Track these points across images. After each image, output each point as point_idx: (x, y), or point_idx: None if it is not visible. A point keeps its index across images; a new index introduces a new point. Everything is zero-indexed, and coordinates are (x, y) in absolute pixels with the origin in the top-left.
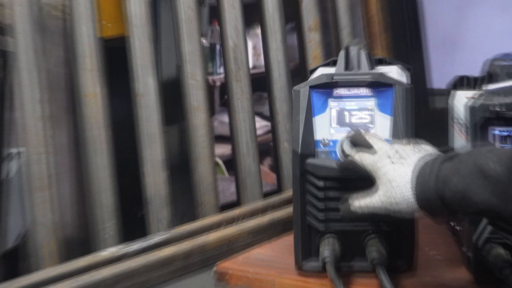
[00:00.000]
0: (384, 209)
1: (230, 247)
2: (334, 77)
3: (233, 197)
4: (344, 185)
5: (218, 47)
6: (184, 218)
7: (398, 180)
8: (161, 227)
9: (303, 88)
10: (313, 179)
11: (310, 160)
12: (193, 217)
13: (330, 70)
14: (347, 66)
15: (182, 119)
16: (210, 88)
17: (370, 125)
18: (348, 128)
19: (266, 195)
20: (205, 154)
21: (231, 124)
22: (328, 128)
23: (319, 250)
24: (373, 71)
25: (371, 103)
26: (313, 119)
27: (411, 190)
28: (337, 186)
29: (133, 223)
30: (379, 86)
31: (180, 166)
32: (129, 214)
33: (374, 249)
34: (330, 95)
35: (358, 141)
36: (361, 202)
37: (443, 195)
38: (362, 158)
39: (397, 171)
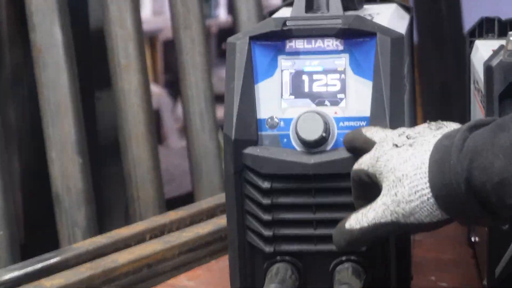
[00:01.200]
0: (392, 219)
1: (151, 272)
2: (288, 23)
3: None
4: (305, 186)
5: None
6: (128, 218)
7: (408, 170)
8: (77, 233)
9: (240, 40)
10: (255, 178)
11: (249, 150)
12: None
13: None
14: (310, 6)
15: None
16: (205, 36)
17: (340, 95)
18: (308, 100)
19: None
20: (138, 131)
21: (180, 88)
22: (277, 100)
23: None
24: (350, 12)
25: (342, 61)
26: (256, 86)
27: (426, 180)
28: (291, 188)
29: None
30: (354, 36)
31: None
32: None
33: (345, 286)
34: (281, 50)
35: (357, 143)
36: (358, 216)
37: (470, 178)
38: (359, 162)
39: (406, 158)
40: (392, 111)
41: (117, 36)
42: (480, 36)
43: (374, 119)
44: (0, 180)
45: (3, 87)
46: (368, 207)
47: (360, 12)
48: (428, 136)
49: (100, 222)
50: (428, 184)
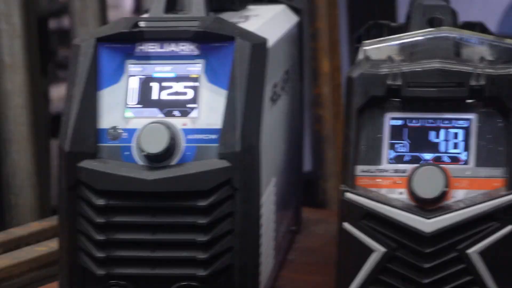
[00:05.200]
0: None
1: None
2: (140, 24)
3: None
4: (144, 205)
5: None
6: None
7: None
8: None
9: (85, 42)
10: (90, 194)
11: (85, 163)
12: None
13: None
14: (171, 6)
15: None
16: None
17: (191, 105)
18: (156, 110)
19: None
20: (21, 134)
21: None
22: (122, 109)
23: None
24: (225, 14)
25: (197, 67)
26: (99, 93)
27: None
28: (129, 207)
29: None
30: (212, 40)
31: None
32: None
33: None
34: (130, 54)
35: None
36: None
37: None
38: None
39: None
40: (246, 125)
41: (1, 32)
42: (365, 40)
43: (225, 133)
44: None
45: None
46: None
47: (239, 13)
48: None
49: None
50: None
